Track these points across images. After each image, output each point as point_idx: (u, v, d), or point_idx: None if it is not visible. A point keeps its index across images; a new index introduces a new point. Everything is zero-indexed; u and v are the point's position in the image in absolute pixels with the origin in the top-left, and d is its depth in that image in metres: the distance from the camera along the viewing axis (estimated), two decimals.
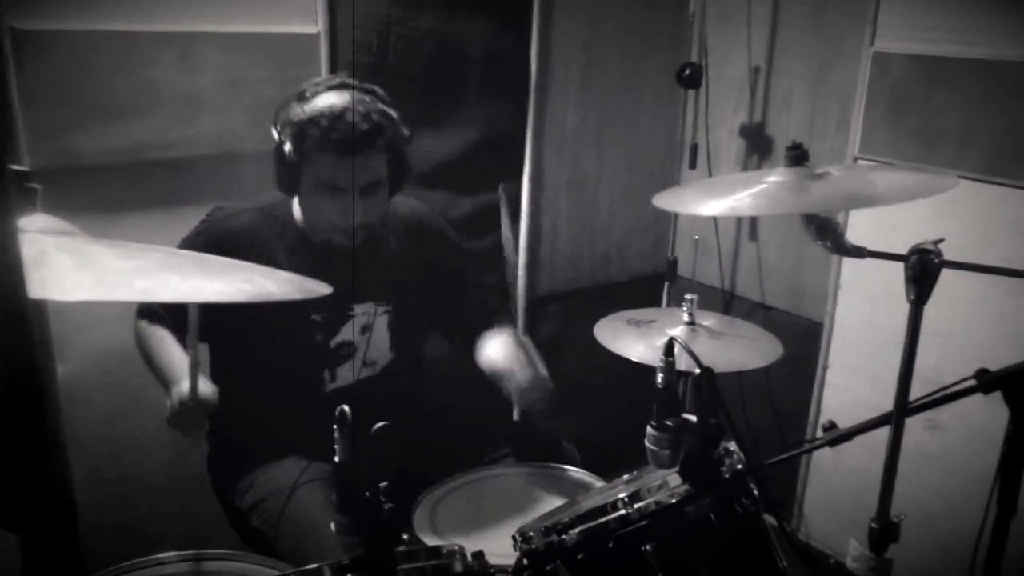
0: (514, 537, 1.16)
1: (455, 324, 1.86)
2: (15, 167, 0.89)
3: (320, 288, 1.15)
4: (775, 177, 1.48)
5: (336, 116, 1.52)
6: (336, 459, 1.00)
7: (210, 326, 1.49)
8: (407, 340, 1.79)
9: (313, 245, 1.66)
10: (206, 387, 1.38)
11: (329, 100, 1.55)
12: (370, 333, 1.71)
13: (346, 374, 1.71)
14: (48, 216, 0.91)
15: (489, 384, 1.68)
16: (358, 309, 1.70)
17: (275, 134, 1.59)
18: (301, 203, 1.66)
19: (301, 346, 1.67)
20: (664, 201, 1.58)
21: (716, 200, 1.55)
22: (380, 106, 1.58)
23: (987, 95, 2.03)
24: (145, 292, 0.95)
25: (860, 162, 2.28)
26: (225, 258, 1.24)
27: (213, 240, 1.59)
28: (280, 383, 1.64)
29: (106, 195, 1.84)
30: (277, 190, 1.65)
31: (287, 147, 1.55)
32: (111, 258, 0.93)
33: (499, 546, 1.19)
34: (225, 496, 1.70)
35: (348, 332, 1.69)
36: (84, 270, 0.87)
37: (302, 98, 1.57)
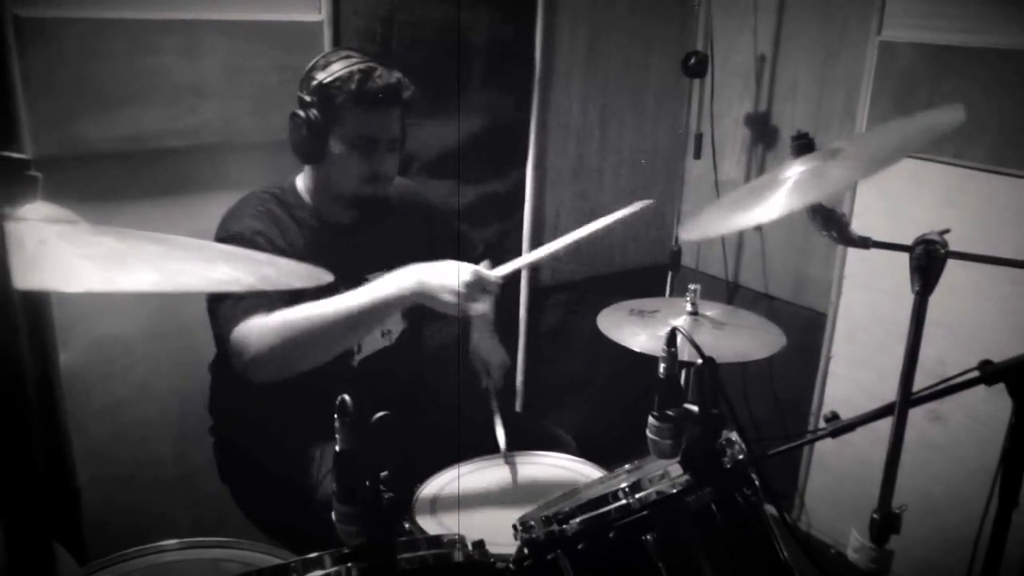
0: (515, 526, 1.17)
1: None
2: (15, 155, 0.89)
3: (323, 276, 1.15)
4: (790, 171, 1.42)
5: (366, 73, 1.61)
6: (336, 448, 1.00)
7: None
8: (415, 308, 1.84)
9: (324, 222, 1.72)
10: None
11: (351, 63, 1.63)
12: None
13: (368, 344, 1.78)
14: (49, 204, 0.91)
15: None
16: (371, 278, 1.74)
17: (303, 100, 1.64)
18: (323, 170, 1.69)
19: None
20: (694, 232, 1.60)
21: (749, 212, 1.43)
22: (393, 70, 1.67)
23: (994, 85, 2.02)
24: (150, 283, 0.94)
25: None
26: (229, 247, 1.25)
27: (241, 232, 1.63)
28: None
29: (109, 183, 1.84)
30: (300, 161, 1.70)
31: (313, 113, 1.62)
32: (114, 246, 0.92)
33: (500, 535, 1.19)
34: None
35: None
36: (87, 259, 0.86)
37: (324, 66, 1.64)
